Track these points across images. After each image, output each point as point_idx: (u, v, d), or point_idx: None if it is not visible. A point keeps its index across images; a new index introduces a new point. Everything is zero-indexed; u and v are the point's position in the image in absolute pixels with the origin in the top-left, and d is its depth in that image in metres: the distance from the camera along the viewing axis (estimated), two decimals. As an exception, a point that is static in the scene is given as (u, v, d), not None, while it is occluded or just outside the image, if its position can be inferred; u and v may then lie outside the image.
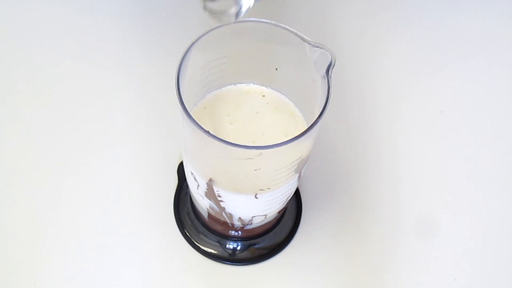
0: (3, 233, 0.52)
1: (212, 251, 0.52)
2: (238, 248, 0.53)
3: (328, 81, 0.40)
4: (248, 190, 0.44)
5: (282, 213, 0.53)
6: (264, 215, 0.48)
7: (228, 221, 0.48)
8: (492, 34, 0.67)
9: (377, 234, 0.54)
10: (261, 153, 0.40)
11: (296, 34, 0.42)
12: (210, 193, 0.45)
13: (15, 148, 0.56)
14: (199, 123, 0.38)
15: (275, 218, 0.51)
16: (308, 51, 0.41)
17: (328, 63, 0.41)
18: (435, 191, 0.56)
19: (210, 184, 0.44)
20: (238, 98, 0.47)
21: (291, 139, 0.38)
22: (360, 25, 0.66)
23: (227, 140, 0.38)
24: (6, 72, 0.60)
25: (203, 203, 0.48)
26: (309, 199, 0.55)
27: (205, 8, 0.37)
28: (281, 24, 0.42)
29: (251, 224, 0.49)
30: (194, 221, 0.53)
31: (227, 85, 0.47)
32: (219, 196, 0.45)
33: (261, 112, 0.46)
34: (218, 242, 0.53)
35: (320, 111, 0.40)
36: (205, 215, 0.51)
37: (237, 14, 0.37)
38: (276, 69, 0.46)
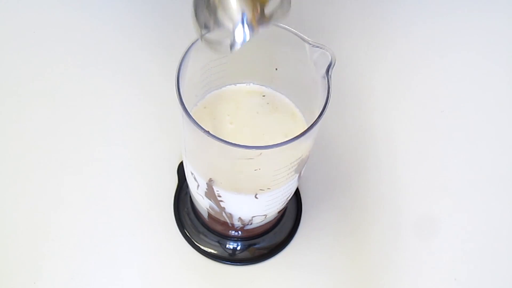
0: (3, 233, 0.52)
1: (212, 251, 0.52)
2: (238, 248, 0.53)
3: (328, 81, 0.40)
4: (248, 190, 0.44)
5: (282, 213, 0.53)
6: (264, 215, 0.48)
7: (228, 221, 0.48)
8: (492, 34, 0.67)
9: (377, 234, 0.54)
10: (261, 153, 0.40)
11: (296, 34, 0.42)
12: (210, 193, 0.45)
13: (15, 148, 0.56)
14: (199, 123, 0.38)
15: (275, 218, 0.51)
16: (308, 51, 0.41)
17: (328, 63, 0.41)
18: (435, 191, 0.56)
19: (210, 184, 0.44)
20: (238, 98, 0.47)
21: (291, 139, 0.39)
22: (360, 25, 0.66)
23: (227, 140, 0.38)
24: (6, 72, 0.60)
25: (203, 203, 0.48)
26: (309, 199, 0.55)
27: (202, 38, 0.37)
28: (281, 24, 0.42)
29: (251, 224, 0.49)
30: (194, 221, 0.53)
31: (227, 85, 0.47)
32: (219, 196, 0.45)
33: (261, 112, 0.46)
34: (218, 242, 0.53)
35: (320, 111, 0.40)
36: (205, 215, 0.51)
37: (233, 46, 0.37)
38: (276, 69, 0.46)
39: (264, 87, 0.47)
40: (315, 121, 0.39)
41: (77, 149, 0.56)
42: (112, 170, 0.56)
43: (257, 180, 0.43)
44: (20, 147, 0.56)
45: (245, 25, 0.36)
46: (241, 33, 0.36)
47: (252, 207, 0.46)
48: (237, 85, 0.47)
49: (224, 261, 0.52)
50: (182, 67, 0.40)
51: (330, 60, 0.41)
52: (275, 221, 0.53)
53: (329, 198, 0.55)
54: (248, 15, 0.35)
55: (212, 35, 0.36)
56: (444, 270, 0.53)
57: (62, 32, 0.63)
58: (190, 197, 0.53)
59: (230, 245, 0.53)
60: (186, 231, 0.53)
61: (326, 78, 0.41)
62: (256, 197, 0.44)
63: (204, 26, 0.36)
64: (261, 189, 0.43)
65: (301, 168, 0.44)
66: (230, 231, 0.52)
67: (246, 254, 0.53)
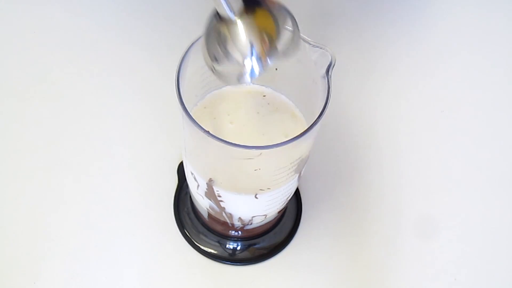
0: (3, 233, 0.52)
1: (212, 251, 0.52)
2: (238, 248, 0.53)
3: (328, 81, 0.40)
4: (248, 190, 0.44)
5: (282, 213, 0.53)
6: (264, 215, 0.48)
7: (228, 221, 0.48)
8: (492, 34, 0.67)
9: (377, 233, 0.54)
10: (261, 153, 0.40)
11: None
12: (210, 193, 0.45)
13: (15, 148, 0.56)
14: (199, 123, 0.38)
15: (275, 218, 0.51)
16: (308, 51, 0.41)
17: (328, 63, 0.41)
18: (435, 191, 0.56)
19: (210, 184, 0.44)
20: (238, 98, 0.47)
21: (291, 139, 0.38)
22: (360, 25, 0.66)
23: (227, 140, 0.38)
24: (6, 72, 0.60)
25: (203, 203, 0.48)
26: (309, 199, 0.55)
27: (213, 70, 0.37)
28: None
29: (251, 224, 0.49)
30: (194, 221, 0.53)
31: (227, 85, 0.47)
32: (219, 196, 0.45)
33: (261, 112, 0.46)
34: (218, 242, 0.53)
35: (320, 111, 0.40)
36: (205, 215, 0.51)
37: (242, 78, 0.37)
38: (276, 69, 0.46)
39: (264, 87, 0.47)
40: (315, 121, 0.39)
41: (77, 149, 0.56)
42: (112, 170, 0.56)
43: (257, 180, 0.43)
44: (20, 147, 0.56)
45: (254, 58, 0.36)
46: (250, 66, 0.36)
47: (252, 207, 0.46)
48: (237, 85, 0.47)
49: (224, 261, 0.52)
50: (182, 67, 0.40)
51: (330, 60, 0.41)
52: (275, 221, 0.53)
53: (329, 198, 0.55)
54: (257, 48, 0.36)
55: (223, 67, 0.37)
56: (444, 270, 0.53)
57: (62, 32, 0.63)
58: (190, 197, 0.53)
59: (230, 245, 0.53)
60: (186, 231, 0.53)
61: (326, 78, 0.41)
62: (256, 197, 0.44)
63: (214, 58, 0.37)
64: (261, 189, 0.43)
65: (301, 168, 0.44)
66: (230, 231, 0.52)
67: (246, 254, 0.53)
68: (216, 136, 0.38)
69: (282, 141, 0.38)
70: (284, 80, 0.46)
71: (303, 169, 0.46)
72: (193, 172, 0.45)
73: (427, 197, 0.56)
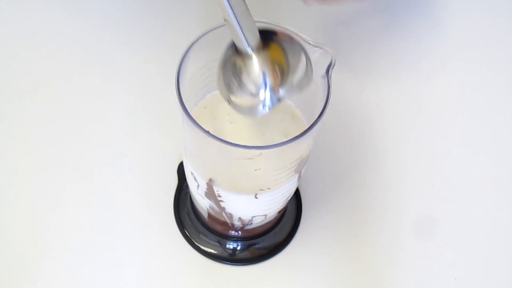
0: (3, 233, 0.52)
1: (212, 251, 0.52)
2: (238, 248, 0.53)
3: (328, 81, 0.40)
4: (248, 190, 0.44)
5: (282, 213, 0.53)
6: (264, 215, 0.48)
7: (228, 221, 0.48)
8: (492, 34, 0.67)
9: (377, 233, 0.54)
10: (261, 153, 0.39)
11: (296, 34, 0.42)
12: (210, 193, 0.45)
13: (15, 148, 0.56)
14: (199, 123, 0.38)
15: (275, 218, 0.51)
16: (308, 51, 0.41)
17: (328, 63, 0.41)
18: (435, 191, 0.56)
19: (210, 184, 0.44)
20: (238, 98, 0.47)
21: (291, 139, 0.38)
22: (360, 25, 0.66)
23: (227, 140, 0.38)
24: (6, 72, 0.60)
25: (203, 203, 0.48)
26: (309, 199, 0.55)
27: (229, 101, 0.39)
28: (281, 24, 0.42)
29: (251, 224, 0.49)
30: (194, 221, 0.53)
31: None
32: (219, 196, 0.45)
33: (261, 112, 0.46)
34: (218, 242, 0.53)
35: (320, 111, 0.40)
36: (205, 215, 0.51)
37: (256, 109, 0.39)
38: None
39: (264, 87, 0.47)
40: (315, 121, 0.39)
41: (77, 149, 0.56)
42: (112, 170, 0.56)
43: (257, 180, 0.43)
44: (20, 147, 0.56)
45: (267, 90, 0.37)
46: (263, 97, 0.38)
47: (252, 207, 0.46)
48: (237, 85, 0.47)
49: (224, 261, 0.52)
50: (182, 67, 0.40)
51: (330, 60, 0.41)
52: (275, 221, 0.53)
53: (329, 198, 0.55)
54: (270, 81, 0.37)
55: (238, 98, 0.38)
56: (444, 270, 0.53)
57: (62, 32, 0.63)
58: (190, 197, 0.53)
59: (230, 245, 0.53)
60: (186, 231, 0.53)
61: (326, 78, 0.41)
62: (256, 197, 0.44)
63: (229, 88, 0.38)
64: (261, 189, 0.43)
65: (301, 168, 0.44)
66: (230, 231, 0.52)
67: (246, 254, 0.53)
68: (216, 136, 0.38)
69: (282, 141, 0.38)
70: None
71: (303, 169, 0.46)
72: (193, 172, 0.45)
73: (427, 197, 0.56)
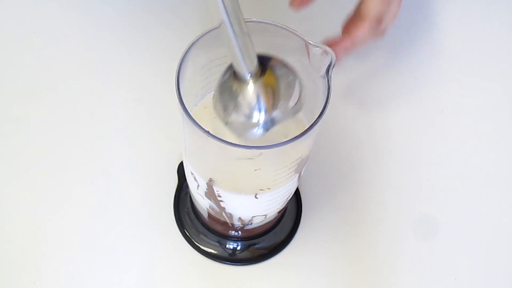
0: (3, 233, 0.52)
1: (212, 251, 0.52)
2: (238, 248, 0.53)
3: (328, 81, 0.40)
4: (248, 190, 0.44)
5: (282, 213, 0.53)
6: (264, 215, 0.48)
7: (228, 221, 0.48)
8: (492, 34, 0.67)
9: (376, 233, 0.54)
10: (261, 153, 0.40)
11: (296, 34, 0.42)
12: (210, 193, 0.45)
13: (15, 149, 0.56)
14: (199, 123, 0.38)
15: (275, 218, 0.51)
16: (308, 51, 0.41)
17: (328, 63, 0.41)
18: (435, 191, 0.56)
19: (210, 184, 0.44)
20: (238, 98, 0.47)
21: (291, 139, 0.38)
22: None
23: (227, 140, 0.38)
24: (6, 72, 0.60)
25: (203, 203, 0.48)
26: (309, 199, 0.55)
27: (225, 123, 0.40)
28: (281, 24, 0.42)
29: (251, 224, 0.49)
30: (194, 221, 0.53)
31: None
32: (219, 196, 0.45)
33: (261, 112, 0.46)
34: (218, 242, 0.53)
35: (320, 111, 0.40)
36: (205, 215, 0.51)
37: (251, 132, 0.40)
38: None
39: (264, 87, 0.47)
40: (315, 121, 0.39)
41: (77, 149, 0.56)
42: (112, 170, 0.56)
43: (257, 180, 0.43)
44: (20, 147, 0.56)
45: (261, 114, 0.39)
46: (257, 120, 0.39)
47: (252, 207, 0.46)
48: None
49: (224, 261, 0.52)
50: (182, 67, 0.40)
51: (330, 60, 0.41)
52: (275, 221, 0.53)
53: (329, 198, 0.55)
54: (265, 104, 0.39)
55: (233, 120, 0.40)
56: (444, 270, 0.53)
57: (62, 32, 0.63)
58: (190, 197, 0.53)
59: (230, 245, 0.53)
60: (186, 231, 0.53)
61: (326, 78, 0.41)
62: (256, 197, 0.44)
63: (225, 109, 0.40)
64: (261, 189, 0.43)
65: (301, 168, 0.44)
66: (230, 231, 0.52)
67: (246, 254, 0.53)
68: (216, 136, 0.38)
69: (282, 141, 0.38)
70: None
71: (303, 169, 0.46)
72: (193, 172, 0.45)
73: (427, 197, 0.56)
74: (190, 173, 0.46)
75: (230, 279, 0.52)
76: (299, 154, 0.42)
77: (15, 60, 0.61)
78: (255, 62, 0.39)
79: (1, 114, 0.58)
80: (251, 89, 0.39)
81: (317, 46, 0.41)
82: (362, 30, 0.48)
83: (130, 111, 0.59)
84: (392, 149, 0.58)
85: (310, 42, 0.41)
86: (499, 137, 0.60)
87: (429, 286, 0.52)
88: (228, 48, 0.38)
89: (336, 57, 0.43)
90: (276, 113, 0.39)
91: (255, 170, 0.41)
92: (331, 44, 0.47)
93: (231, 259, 0.53)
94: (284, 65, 0.41)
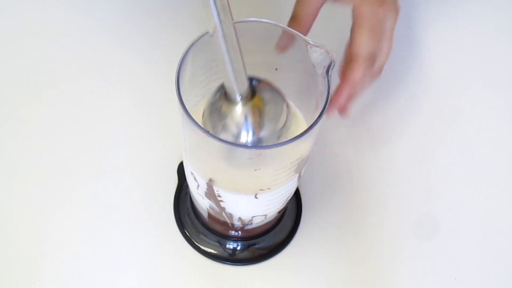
0: (3, 233, 0.52)
1: (212, 251, 0.52)
2: (238, 248, 0.53)
3: (328, 81, 0.40)
4: (248, 190, 0.44)
5: (282, 213, 0.53)
6: (264, 215, 0.48)
7: (228, 221, 0.48)
8: (492, 33, 0.67)
9: (377, 233, 0.54)
10: (261, 153, 0.40)
11: (296, 34, 0.42)
12: (210, 193, 0.45)
13: (15, 149, 0.56)
14: (199, 123, 0.38)
15: (275, 218, 0.51)
16: (308, 51, 0.41)
17: (328, 63, 0.41)
18: (435, 191, 0.56)
19: (210, 184, 0.44)
20: (238, 98, 0.47)
21: (291, 139, 0.39)
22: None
23: (227, 140, 0.38)
24: (5, 72, 0.60)
25: (203, 203, 0.48)
26: (309, 199, 0.55)
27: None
28: (281, 24, 0.42)
29: (251, 224, 0.49)
30: (194, 221, 0.53)
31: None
32: (219, 196, 0.45)
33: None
34: (218, 242, 0.53)
35: (320, 111, 0.40)
36: (205, 215, 0.51)
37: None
38: (276, 69, 0.46)
39: (264, 87, 0.47)
40: (315, 121, 0.39)
41: (77, 149, 0.56)
42: (112, 170, 0.56)
43: (257, 180, 0.43)
44: (20, 147, 0.56)
45: (249, 134, 0.40)
46: (245, 139, 0.40)
47: (252, 207, 0.46)
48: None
49: (224, 261, 0.52)
50: (182, 67, 0.40)
51: (330, 60, 0.41)
52: (275, 221, 0.53)
53: (329, 198, 0.55)
54: (252, 125, 0.41)
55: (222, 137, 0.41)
56: (444, 270, 0.53)
57: (62, 32, 0.63)
58: (190, 197, 0.53)
59: (230, 245, 0.53)
60: (186, 231, 0.53)
61: (326, 78, 0.41)
62: (256, 197, 0.44)
63: (214, 130, 0.41)
64: (261, 189, 0.43)
65: (301, 168, 0.44)
66: (230, 231, 0.52)
67: (246, 254, 0.53)
68: (216, 136, 0.38)
69: (282, 141, 0.38)
70: (284, 80, 0.46)
71: (303, 169, 0.46)
72: (193, 172, 0.45)
73: (427, 197, 0.56)
74: (190, 173, 0.46)
75: (230, 279, 0.52)
76: (299, 154, 0.42)
77: (15, 60, 0.61)
78: (245, 84, 0.40)
79: (1, 114, 0.58)
80: (239, 109, 0.40)
81: (317, 46, 0.41)
82: (357, 72, 0.49)
83: (130, 111, 0.59)
84: (392, 149, 0.58)
85: (310, 42, 0.41)
86: (499, 137, 0.60)
87: (429, 286, 0.52)
88: (222, 70, 0.39)
89: (340, 109, 0.46)
90: (263, 134, 0.41)
91: (255, 170, 0.41)
92: (334, 95, 0.48)
93: (231, 259, 0.53)
94: (273, 88, 0.42)
